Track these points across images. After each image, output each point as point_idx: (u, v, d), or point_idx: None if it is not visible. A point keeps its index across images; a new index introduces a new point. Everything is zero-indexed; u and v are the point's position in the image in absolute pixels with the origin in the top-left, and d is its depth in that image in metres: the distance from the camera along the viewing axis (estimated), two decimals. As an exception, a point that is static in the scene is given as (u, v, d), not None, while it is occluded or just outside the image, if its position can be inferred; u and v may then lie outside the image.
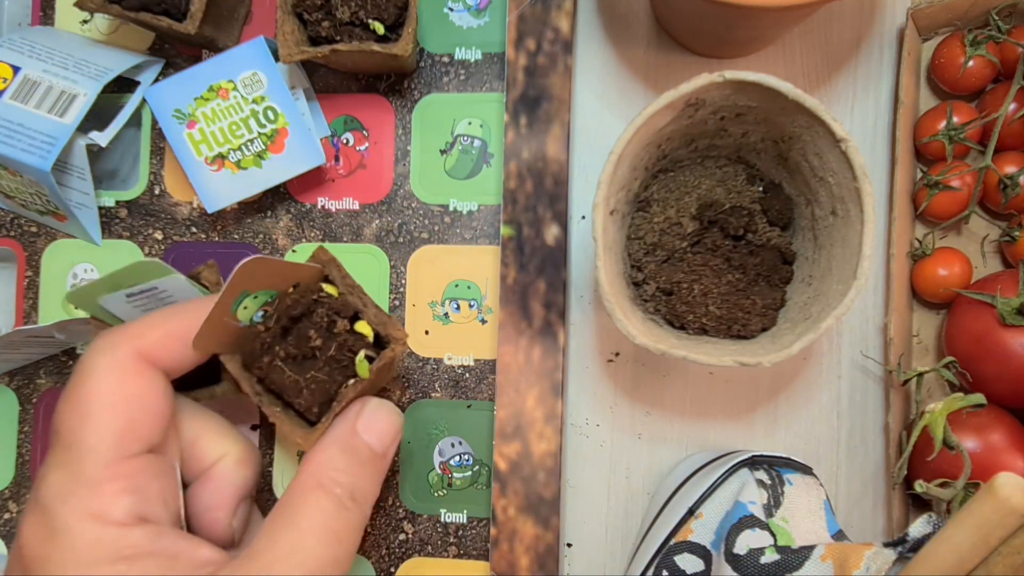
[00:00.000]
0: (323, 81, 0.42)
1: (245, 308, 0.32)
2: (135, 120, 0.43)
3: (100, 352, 0.30)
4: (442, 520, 0.40)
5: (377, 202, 0.42)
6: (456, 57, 0.42)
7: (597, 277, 0.32)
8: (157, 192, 0.43)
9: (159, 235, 0.43)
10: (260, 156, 0.40)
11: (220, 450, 0.33)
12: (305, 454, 0.32)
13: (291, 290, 0.33)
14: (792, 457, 0.36)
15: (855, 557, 0.29)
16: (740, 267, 0.37)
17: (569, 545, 0.41)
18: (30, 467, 0.43)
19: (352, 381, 0.32)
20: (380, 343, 0.34)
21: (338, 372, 0.32)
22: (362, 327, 0.33)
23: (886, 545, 0.29)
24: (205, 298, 0.33)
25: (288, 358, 0.32)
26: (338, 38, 0.37)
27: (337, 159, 0.42)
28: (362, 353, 0.32)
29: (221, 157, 0.40)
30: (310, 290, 0.33)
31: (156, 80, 0.43)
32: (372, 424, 0.33)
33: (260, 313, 0.33)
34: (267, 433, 0.42)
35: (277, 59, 0.39)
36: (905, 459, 0.36)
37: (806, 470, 0.36)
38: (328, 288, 0.34)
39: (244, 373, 0.33)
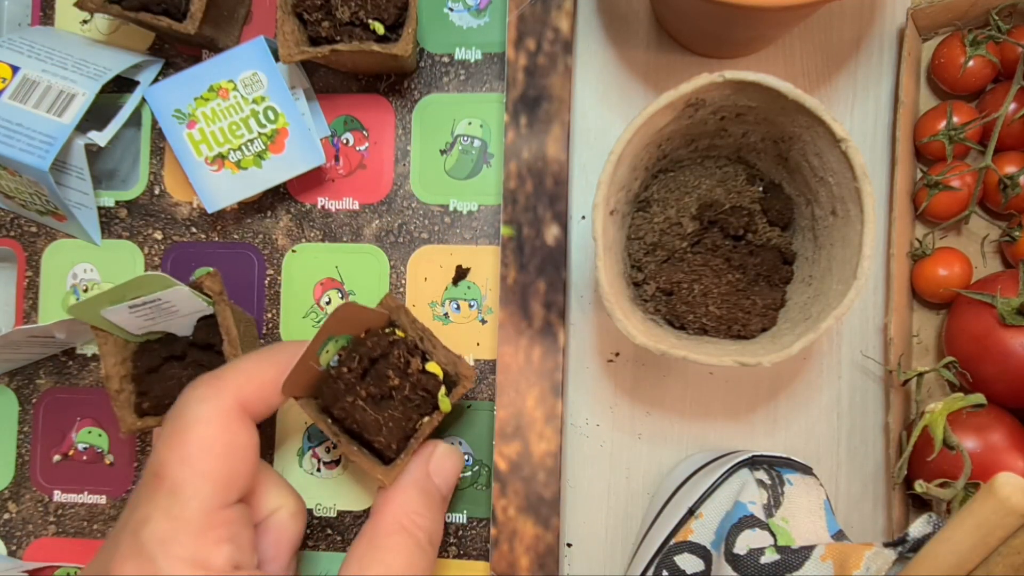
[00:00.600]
0: (323, 81, 0.42)
1: (327, 352, 0.34)
2: (135, 120, 0.43)
3: (204, 400, 0.31)
4: (442, 520, 0.40)
5: (377, 202, 0.42)
6: (456, 57, 0.42)
7: (597, 277, 0.32)
8: (157, 192, 0.43)
9: (159, 235, 0.43)
10: (260, 156, 0.40)
11: (277, 502, 0.34)
12: (381, 491, 0.34)
13: (363, 334, 0.35)
14: (792, 457, 0.36)
15: (855, 557, 0.29)
16: (740, 267, 0.37)
17: (569, 545, 0.41)
18: (29, 467, 0.43)
19: (428, 418, 0.35)
20: (446, 380, 0.36)
21: (412, 410, 0.34)
22: (432, 367, 0.35)
23: (886, 545, 0.29)
24: (289, 344, 0.35)
25: (368, 398, 0.34)
26: (338, 38, 0.37)
27: (337, 159, 0.42)
28: (443, 389, 0.35)
29: (221, 157, 0.40)
30: (384, 334, 0.35)
31: (156, 80, 0.43)
32: (441, 467, 0.35)
33: (336, 358, 0.35)
34: (266, 439, 0.42)
35: (277, 59, 0.39)
36: (905, 459, 0.36)
37: (806, 470, 0.36)
38: (398, 332, 0.36)
39: (321, 416, 0.34)
